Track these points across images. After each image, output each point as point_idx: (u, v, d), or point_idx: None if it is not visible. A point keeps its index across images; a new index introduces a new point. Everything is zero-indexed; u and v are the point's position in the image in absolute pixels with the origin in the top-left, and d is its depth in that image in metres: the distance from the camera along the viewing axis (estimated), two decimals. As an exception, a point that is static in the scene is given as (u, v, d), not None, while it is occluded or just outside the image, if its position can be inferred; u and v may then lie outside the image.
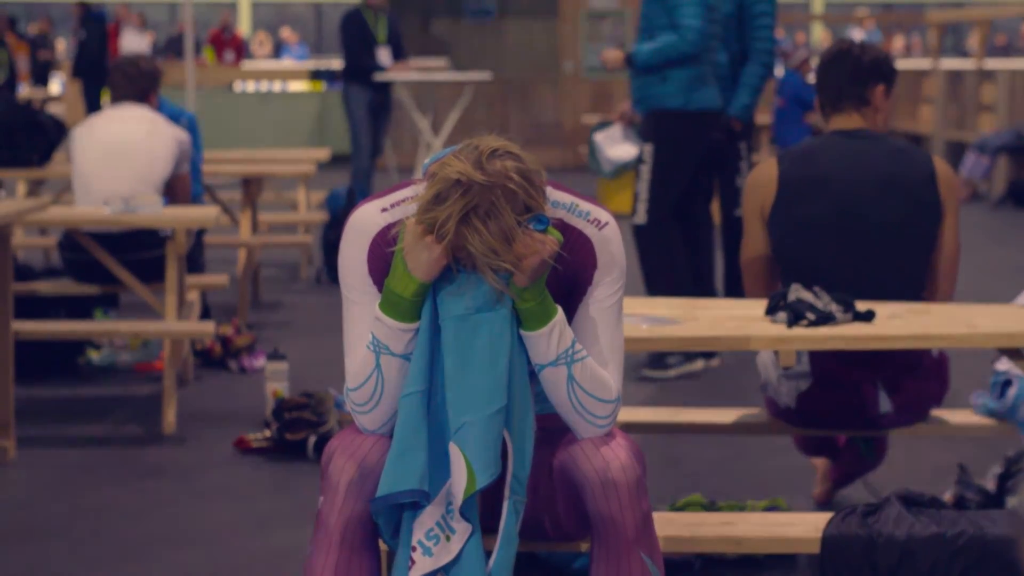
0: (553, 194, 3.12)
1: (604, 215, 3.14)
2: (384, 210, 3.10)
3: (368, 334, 3.04)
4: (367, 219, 3.10)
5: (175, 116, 7.50)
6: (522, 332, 3.01)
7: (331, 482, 3.01)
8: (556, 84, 18.80)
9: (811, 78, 13.17)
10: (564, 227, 3.10)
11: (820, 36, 34.48)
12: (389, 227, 3.08)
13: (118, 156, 6.63)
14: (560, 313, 3.02)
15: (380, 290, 3.06)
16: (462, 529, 2.99)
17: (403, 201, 3.10)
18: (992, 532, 3.68)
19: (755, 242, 4.51)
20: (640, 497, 3.01)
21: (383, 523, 3.03)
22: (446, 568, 2.98)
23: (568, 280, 3.10)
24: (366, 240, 3.08)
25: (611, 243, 3.12)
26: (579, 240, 3.10)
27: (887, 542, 3.68)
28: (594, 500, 3.00)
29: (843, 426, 4.37)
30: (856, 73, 4.47)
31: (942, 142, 17.23)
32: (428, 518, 2.99)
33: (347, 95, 11.71)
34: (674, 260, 6.97)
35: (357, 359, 3.06)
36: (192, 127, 7.58)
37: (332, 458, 3.03)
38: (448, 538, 2.98)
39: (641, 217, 6.91)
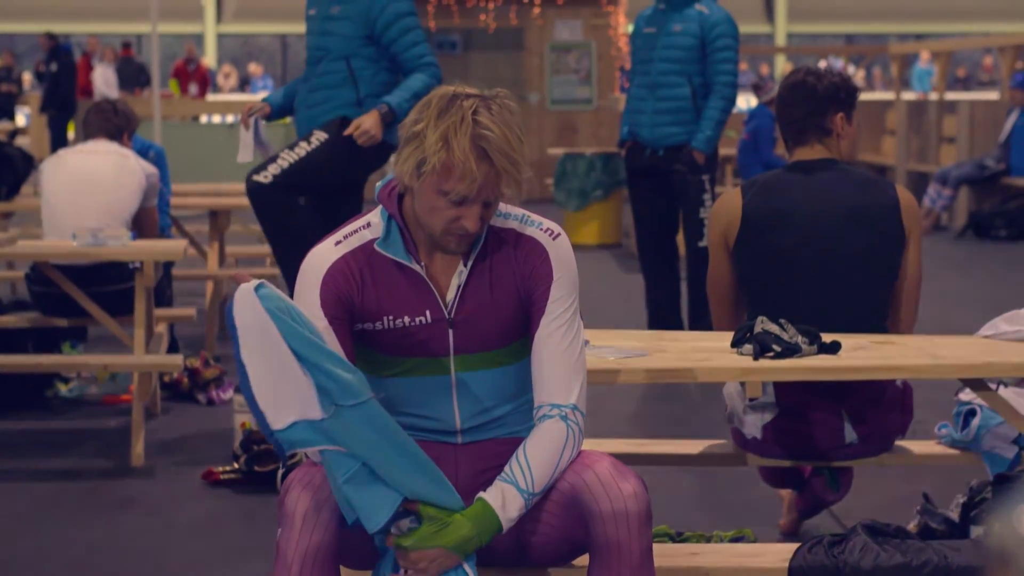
0: (504, 207, 3.21)
1: (556, 227, 3.24)
2: (338, 243, 3.19)
3: None
4: (321, 255, 3.17)
5: (143, 149, 7.52)
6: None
7: (287, 513, 3.04)
8: (521, 116, 18.85)
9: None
10: (518, 236, 3.19)
11: (784, 68, 34.68)
12: (342, 258, 3.15)
13: (86, 189, 6.64)
14: (490, 501, 3.07)
15: (332, 322, 3.12)
16: None
17: (355, 232, 3.19)
18: (957, 562, 3.72)
19: (720, 271, 4.54)
20: (647, 526, 3.07)
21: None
22: None
23: (524, 287, 3.18)
24: (319, 274, 3.15)
25: (564, 253, 3.21)
26: (534, 248, 3.19)
27: (853, 572, 3.71)
28: (603, 526, 3.04)
29: (808, 457, 4.40)
30: (813, 105, 4.47)
31: (904, 173, 17.35)
32: None
33: (313, 128, 11.71)
34: None
35: None
36: (160, 160, 7.60)
37: (288, 490, 3.06)
38: None
39: None
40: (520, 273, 3.17)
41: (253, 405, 2.95)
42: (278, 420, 2.95)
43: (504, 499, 3.06)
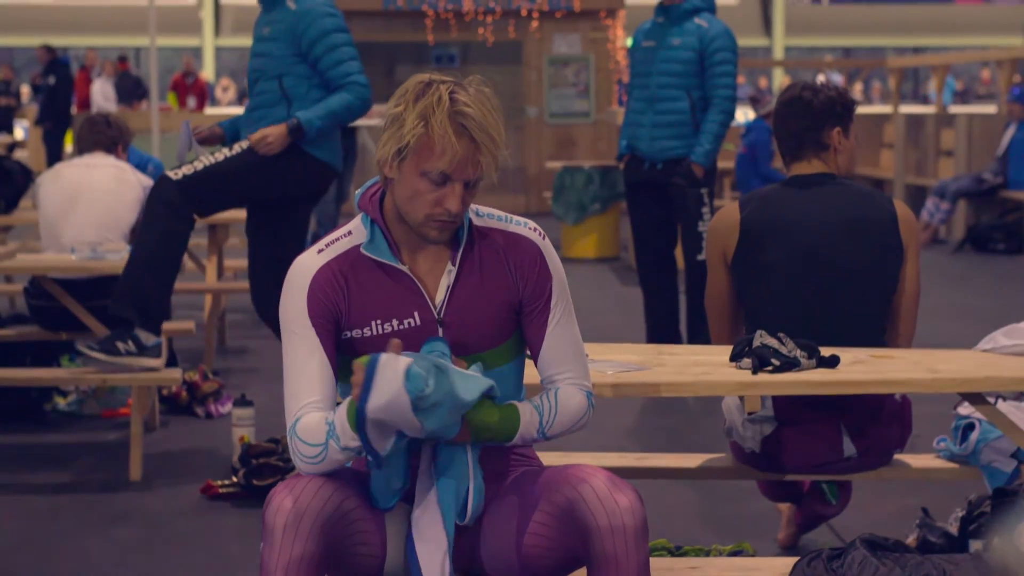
0: (482, 208, 3.26)
1: (538, 226, 3.28)
2: (320, 251, 3.20)
3: (311, 362, 3.12)
4: (304, 264, 3.18)
5: (142, 163, 7.53)
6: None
7: (268, 526, 3.03)
8: (520, 129, 18.88)
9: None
10: (504, 233, 3.23)
11: (782, 81, 34.73)
12: (326, 265, 3.16)
13: (85, 203, 6.64)
14: (520, 411, 3.17)
15: (318, 332, 3.13)
16: None
17: (337, 240, 3.20)
18: None
19: (719, 285, 4.54)
20: (644, 540, 3.07)
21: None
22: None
23: (521, 287, 3.21)
24: (305, 282, 3.16)
25: (553, 252, 3.26)
26: (527, 247, 3.22)
27: (852, 585, 3.71)
28: (601, 541, 3.04)
29: (807, 470, 4.40)
30: (809, 120, 4.47)
31: (902, 187, 17.36)
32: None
33: (312, 141, 11.70)
34: None
35: (300, 394, 3.12)
36: (159, 174, 7.59)
37: (269, 503, 3.06)
38: None
39: None
40: (516, 271, 3.20)
41: (368, 447, 3.02)
42: (384, 448, 3.04)
43: (529, 420, 3.17)
